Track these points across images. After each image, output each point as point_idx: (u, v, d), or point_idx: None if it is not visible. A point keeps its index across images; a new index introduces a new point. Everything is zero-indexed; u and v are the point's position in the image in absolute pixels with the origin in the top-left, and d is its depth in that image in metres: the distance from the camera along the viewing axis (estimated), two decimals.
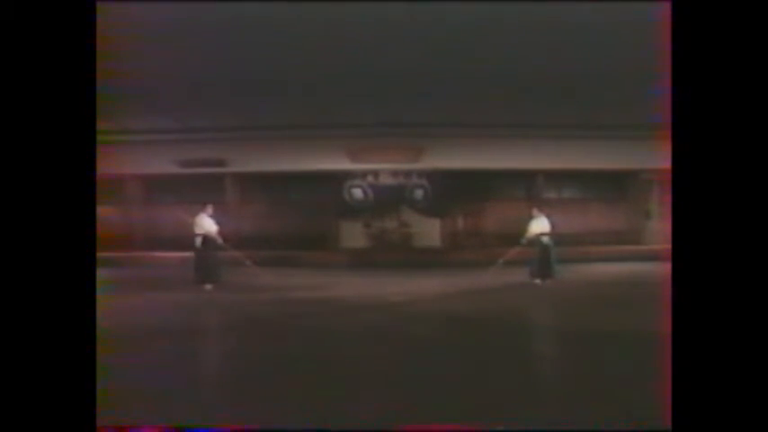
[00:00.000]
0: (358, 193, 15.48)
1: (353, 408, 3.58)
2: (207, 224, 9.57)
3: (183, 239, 10.51)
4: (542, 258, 9.75)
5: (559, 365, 4.88)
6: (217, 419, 3.30)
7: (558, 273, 9.79)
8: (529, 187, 16.28)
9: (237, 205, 15.86)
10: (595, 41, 7.14)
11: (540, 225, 9.88)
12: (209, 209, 9.74)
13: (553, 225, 9.97)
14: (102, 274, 3.40)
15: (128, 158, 12.82)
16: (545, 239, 9.76)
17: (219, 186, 15.89)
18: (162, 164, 14.35)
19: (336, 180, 15.40)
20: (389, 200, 15.45)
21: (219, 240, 9.60)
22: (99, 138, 2.47)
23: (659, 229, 14.49)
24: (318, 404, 3.65)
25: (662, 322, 2.65)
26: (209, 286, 9.27)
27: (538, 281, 9.68)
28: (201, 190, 15.89)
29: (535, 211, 10.11)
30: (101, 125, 2.62)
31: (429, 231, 15.70)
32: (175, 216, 11.90)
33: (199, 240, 9.47)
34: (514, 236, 10.38)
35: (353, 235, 15.62)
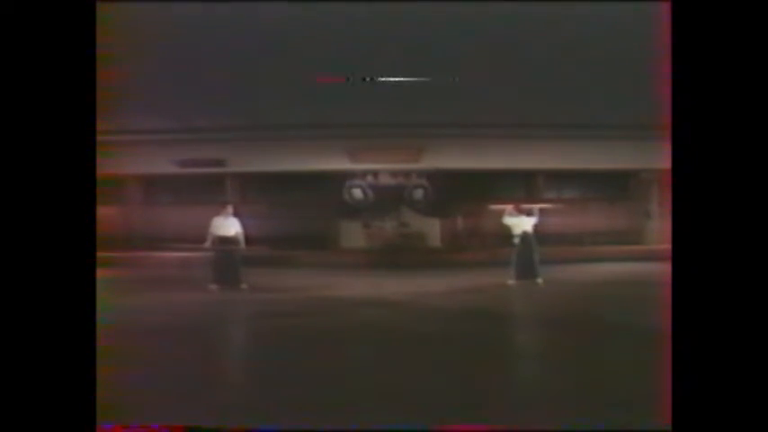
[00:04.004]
0: (358, 193, 15.48)
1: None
2: (227, 225, 9.54)
3: (183, 239, 10.52)
4: (527, 258, 9.64)
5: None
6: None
7: (541, 274, 9.64)
8: (529, 187, 16.29)
9: (237, 205, 15.83)
10: (595, 41, 7.13)
11: (524, 223, 9.82)
12: (230, 209, 9.71)
13: (537, 224, 9.89)
14: (104, 274, 3.42)
15: (128, 158, 12.81)
16: (529, 237, 9.69)
17: (219, 186, 15.90)
18: (162, 164, 14.34)
19: (336, 180, 15.40)
20: (389, 200, 15.45)
21: (241, 242, 9.56)
22: (99, 138, 2.47)
23: (659, 228, 14.49)
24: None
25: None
26: (213, 286, 9.24)
27: (540, 280, 9.65)
28: (201, 190, 15.93)
29: (510, 209, 9.98)
30: (101, 125, 2.62)
31: (429, 231, 15.71)
32: (191, 217, 11.93)
33: (216, 241, 9.44)
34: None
35: (353, 235, 15.62)
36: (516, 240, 9.72)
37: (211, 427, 3.11)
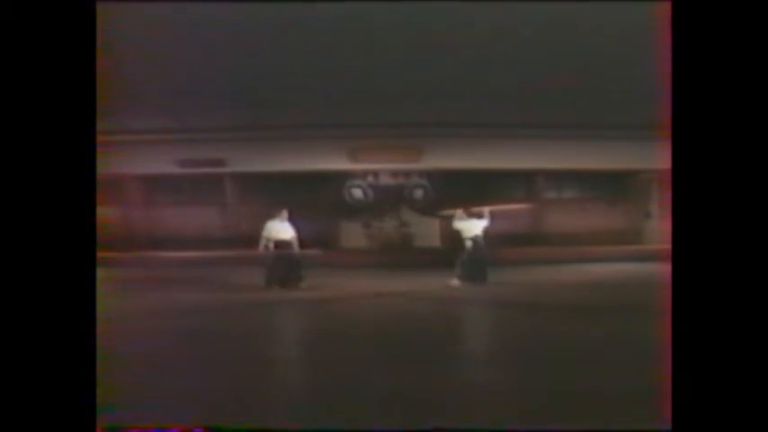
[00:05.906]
0: (358, 193, 15.48)
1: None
2: (282, 229, 9.55)
3: (183, 240, 10.51)
4: (475, 260, 9.52)
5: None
6: None
7: (487, 276, 9.48)
8: (529, 187, 16.29)
9: (237, 205, 15.86)
10: (595, 41, 7.15)
11: (474, 225, 9.70)
12: (285, 214, 9.68)
13: (488, 226, 9.77)
14: (108, 274, 3.42)
15: (128, 158, 12.83)
16: (479, 240, 9.62)
17: (219, 186, 15.91)
18: (162, 164, 14.36)
19: (336, 180, 15.41)
20: (389, 200, 15.46)
21: (296, 245, 9.52)
22: (99, 138, 2.47)
23: (659, 229, 14.50)
24: None
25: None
26: (276, 287, 9.20)
27: (486, 283, 9.46)
28: (201, 190, 15.94)
29: (460, 213, 9.84)
30: (101, 125, 2.62)
31: (429, 231, 15.71)
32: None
33: (271, 245, 9.43)
34: (515, 236, 10.35)
35: (353, 235, 15.63)
36: (468, 243, 9.62)
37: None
